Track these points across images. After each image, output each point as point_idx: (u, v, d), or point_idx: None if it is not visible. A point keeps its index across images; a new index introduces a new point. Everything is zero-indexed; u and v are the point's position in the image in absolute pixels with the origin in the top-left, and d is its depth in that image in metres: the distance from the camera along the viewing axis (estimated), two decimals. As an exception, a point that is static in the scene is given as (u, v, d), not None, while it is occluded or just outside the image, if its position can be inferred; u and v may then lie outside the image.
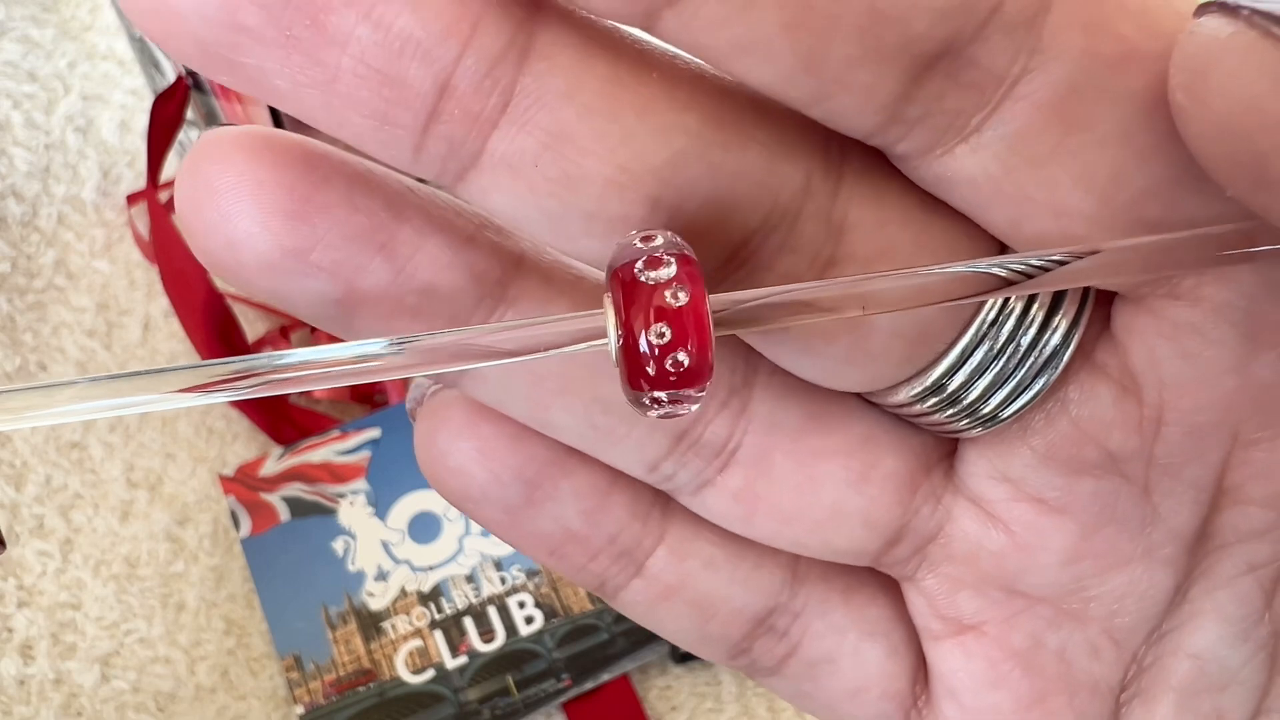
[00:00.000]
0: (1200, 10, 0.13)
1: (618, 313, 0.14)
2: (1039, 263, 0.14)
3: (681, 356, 0.13)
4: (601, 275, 0.16)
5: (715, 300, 0.14)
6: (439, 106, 0.14)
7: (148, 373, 0.14)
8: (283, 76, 0.14)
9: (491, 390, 0.16)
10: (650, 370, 0.13)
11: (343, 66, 0.13)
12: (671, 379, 0.13)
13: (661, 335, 0.13)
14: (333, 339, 0.15)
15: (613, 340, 0.14)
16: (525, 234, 0.15)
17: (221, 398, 0.14)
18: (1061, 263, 0.14)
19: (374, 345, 0.14)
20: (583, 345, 0.14)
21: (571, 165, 0.14)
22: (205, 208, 0.14)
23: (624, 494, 0.18)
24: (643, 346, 0.13)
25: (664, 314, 0.13)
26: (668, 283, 0.13)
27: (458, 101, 0.14)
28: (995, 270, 0.14)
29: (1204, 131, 0.13)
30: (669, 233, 0.14)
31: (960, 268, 0.14)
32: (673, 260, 0.13)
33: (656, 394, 0.14)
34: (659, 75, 0.14)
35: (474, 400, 0.17)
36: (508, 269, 0.16)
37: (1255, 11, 0.12)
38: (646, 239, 0.14)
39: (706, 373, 0.14)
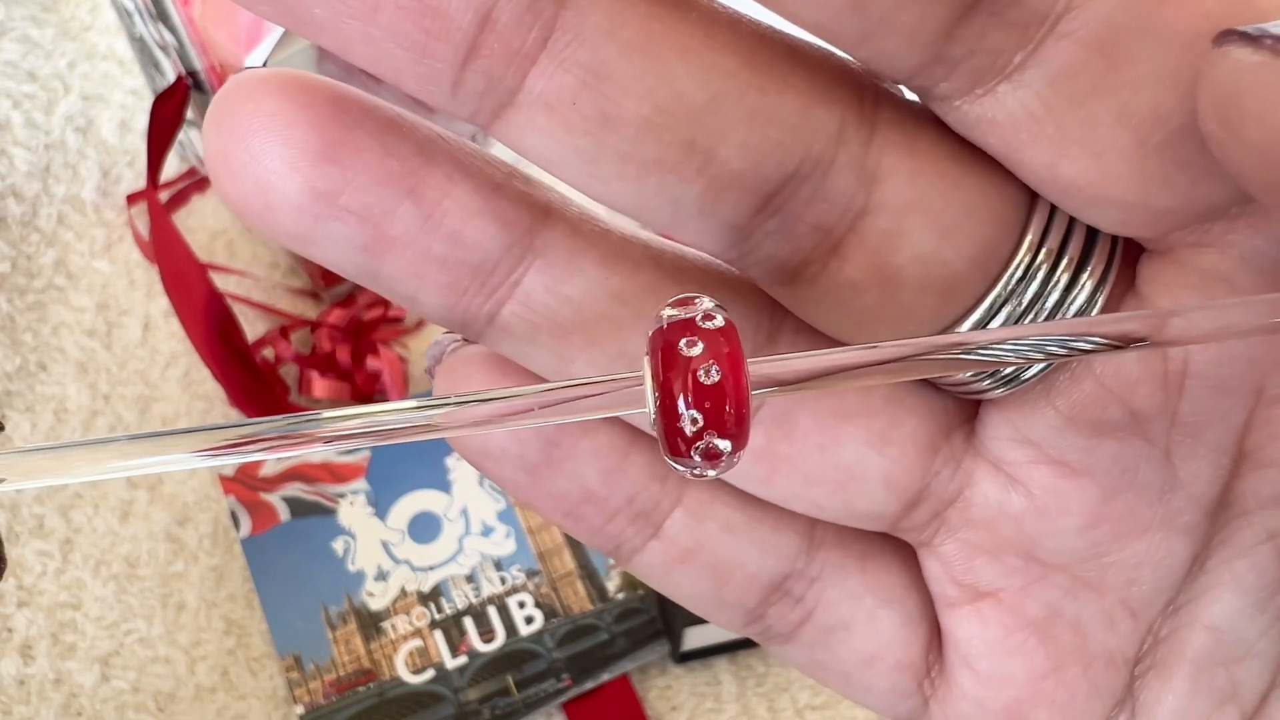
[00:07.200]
0: (1220, 39, 0.13)
1: (655, 380, 0.14)
2: (1090, 345, 0.14)
3: (719, 442, 0.14)
4: (631, 225, 0.16)
5: (754, 372, 0.14)
6: (479, 40, 0.14)
7: (175, 432, 0.13)
8: (323, 4, 0.13)
9: (515, 344, 0.16)
10: (688, 434, 0.14)
11: None
12: (708, 446, 0.14)
13: (698, 411, 0.13)
14: (334, 338, 0.15)
15: (650, 406, 0.14)
16: (558, 176, 0.15)
17: (238, 459, 0.14)
18: (1118, 346, 0.14)
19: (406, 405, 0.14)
20: (621, 411, 0.14)
21: (610, 104, 0.14)
22: (233, 149, 0.14)
23: (643, 454, 0.17)
24: (680, 410, 0.13)
25: (701, 389, 0.13)
26: (705, 356, 0.13)
27: (498, 35, 0.14)
28: (1041, 350, 0.14)
29: (1242, 160, 0.13)
30: (709, 300, 0.14)
31: (1006, 348, 0.14)
32: (713, 331, 0.14)
33: (693, 461, 0.14)
34: (698, 15, 0.14)
35: (495, 355, 0.17)
36: (535, 218, 0.15)
37: (1278, 39, 0.12)
38: (685, 305, 0.14)
39: (743, 440, 0.14)
